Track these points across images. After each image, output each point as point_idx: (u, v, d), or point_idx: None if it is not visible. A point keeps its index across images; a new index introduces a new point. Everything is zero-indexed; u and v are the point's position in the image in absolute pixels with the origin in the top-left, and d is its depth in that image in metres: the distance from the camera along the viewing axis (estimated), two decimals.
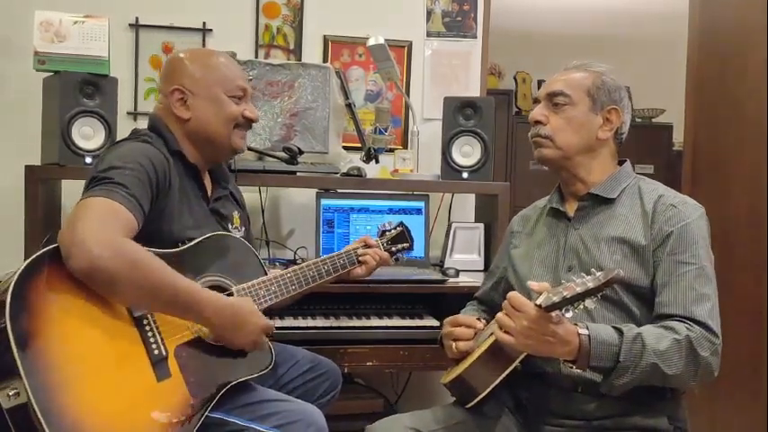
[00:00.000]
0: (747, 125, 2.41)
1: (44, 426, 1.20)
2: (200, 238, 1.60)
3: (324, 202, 2.41)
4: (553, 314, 1.30)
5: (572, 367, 1.39)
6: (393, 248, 1.98)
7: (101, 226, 1.33)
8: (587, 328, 1.36)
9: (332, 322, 2.14)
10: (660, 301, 1.46)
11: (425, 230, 2.48)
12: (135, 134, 1.67)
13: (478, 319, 1.64)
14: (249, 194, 2.40)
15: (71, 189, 2.30)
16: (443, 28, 2.86)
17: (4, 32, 2.54)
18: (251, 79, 2.40)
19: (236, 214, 1.82)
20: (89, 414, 1.28)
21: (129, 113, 2.63)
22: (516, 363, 1.49)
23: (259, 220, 2.62)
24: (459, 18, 2.86)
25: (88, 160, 2.13)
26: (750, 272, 2.35)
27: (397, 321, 2.18)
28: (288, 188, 2.68)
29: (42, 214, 2.14)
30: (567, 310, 1.28)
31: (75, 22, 2.18)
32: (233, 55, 2.22)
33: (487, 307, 1.81)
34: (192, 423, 1.41)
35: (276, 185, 2.50)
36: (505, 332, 1.37)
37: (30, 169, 2.14)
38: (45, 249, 1.33)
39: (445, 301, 2.17)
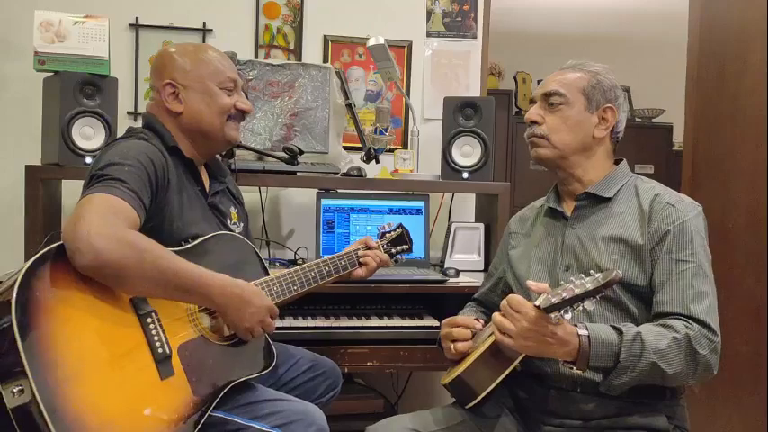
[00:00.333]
0: (747, 125, 2.41)
1: (49, 423, 1.20)
2: (202, 238, 1.61)
3: (324, 202, 2.41)
4: (552, 315, 1.30)
5: (572, 368, 1.39)
6: (393, 250, 2.00)
7: (103, 221, 1.34)
8: (587, 329, 1.36)
9: (332, 322, 2.14)
10: (658, 300, 1.46)
11: (425, 230, 2.48)
12: (131, 132, 1.67)
13: (476, 319, 1.64)
14: (249, 194, 2.41)
15: (71, 189, 2.30)
16: (443, 28, 2.86)
17: (4, 32, 2.54)
18: (250, 79, 2.41)
19: (233, 210, 1.82)
20: (93, 411, 1.28)
21: (129, 113, 2.63)
22: (515, 363, 1.50)
23: (259, 220, 2.62)
24: (459, 18, 2.86)
25: (88, 160, 2.13)
26: (750, 271, 2.35)
27: (397, 321, 2.18)
28: (288, 188, 2.68)
29: (42, 214, 2.14)
30: (567, 312, 1.28)
31: (76, 23, 2.18)
32: (233, 55, 2.22)
33: (487, 308, 1.81)
34: (195, 421, 1.41)
35: (276, 185, 2.50)
36: (504, 333, 1.37)
37: (30, 169, 2.14)
38: (49, 247, 1.34)
39: (445, 301, 2.17)
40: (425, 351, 2.13)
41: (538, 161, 1.63)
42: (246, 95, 1.78)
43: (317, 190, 2.42)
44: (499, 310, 1.60)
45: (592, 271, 1.29)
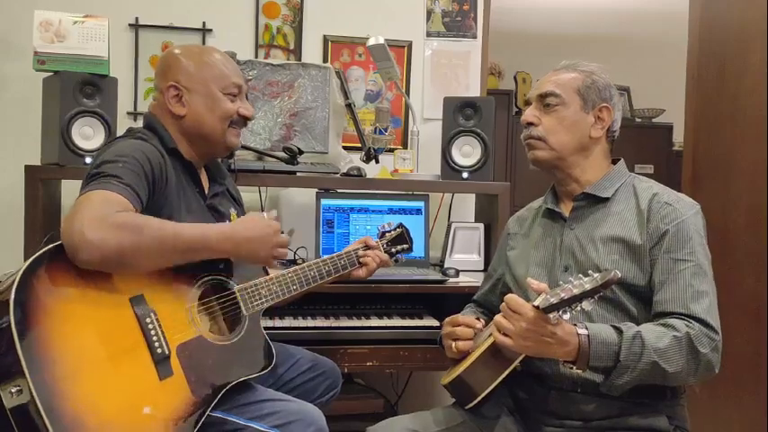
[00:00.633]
0: (747, 125, 2.41)
1: (47, 424, 1.20)
2: None
3: (324, 202, 2.40)
4: (551, 315, 1.30)
5: (572, 368, 1.39)
6: (393, 250, 1.99)
7: (93, 213, 1.34)
8: (586, 328, 1.36)
9: (332, 322, 2.14)
10: (658, 300, 1.46)
11: (425, 230, 2.48)
12: (130, 132, 1.67)
13: (477, 318, 1.64)
14: (249, 194, 2.41)
15: (71, 189, 2.29)
16: (443, 28, 2.86)
17: (4, 32, 2.54)
18: (250, 79, 2.41)
19: (233, 211, 1.82)
20: (91, 412, 1.28)
21: (128, 113, 2.63)
22: (515, 363, 1.49)
23: None
24: (459, 18, 2.86)
25: (88, 160, 2.13)
26: (750, 271, 2.35)
27: (397, 321, 2.18)
28: (288, 188, 2.68)
29: (42, 214, 2.14)
30: (565, 312, 1.28)
31: (75, 22, 2.18)
32: (233, 55, 2.22)
33: (486, 309, 1.81)
34: (194, 421, 1.41)
35: (276, 185, 2.50)
36: (504, 334, 1.37)
37: (30, 169, 2.14)
38: (47, 247, 1.34)
39: (445, 301, 2.17)
40: (425, 351, 2.13)
41: (535, 164, 1.63)
42: (246, 96, 1.77)
43: (316, 190, 2.42)
44: (498, 311, 1.60)
45: (590, 271, 1.29)
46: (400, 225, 2.03)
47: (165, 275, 1.48)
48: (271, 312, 2.04)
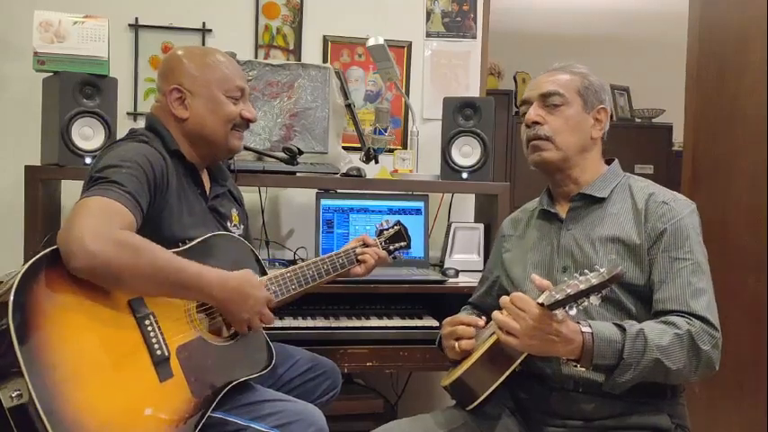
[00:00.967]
0: (747, 125, 2.41)
1: (47, 426, 1.20)
2: (199, 239, 1.60)
3: (323, 202, 2.41)
4: (558, 312, 1.29)
5: (576, 366, 1.38)
6: (391, 247, 1.99)
7: (97, 223, 1.33)
8: (590, 326, 1.36)
9: (332, 322, 2.14)
10: (658, 298, 1.46)
11: (425, 231, 2.48)
12: (132, 134, 1.67)
13: (480, 316, 1.63)
14: (249, 195, 2.41)
15: (71, 189, 2.30)
16: (443, 28, 2.86)
17: (3, 33, 2.54)
18: (250, 80, 2.40)
19: (234, 212, 1.82)
20: (91, 414, 1.28)
21: (128, 114, 2.63)
22: (517, 363, 1.48)
23: (259, 221, 2.62)
24: (458, 18, 2.86)
25: (88, 160, 2.13)
26: (750, 271, 2.35)
27: (396, 322, 2.18)
28: (287, 188, 2.68)
29: (42, 214, 2.14)
30: (571, 308, 1.27)
31: (75, 23, 2.18)
32: (233, 55, 2.22)
33: (482, 311, 1.79)
34: (194, 423, 1.41)
35: (276, 186, 2.50)
36: (507, 332, 1.36)
37: (30, 169, 2.14)
38: (46, 250, 1.33)
39: (445, 301, 2.17)
40: (425, 351, 2.13)
41: (540, 165, 1.60)
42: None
43: (316, 190, 2.42)
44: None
45: (596, 266, 1.29)
46: (398, 222, 2.03)
47: None
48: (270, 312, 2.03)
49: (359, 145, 2.55)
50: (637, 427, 1.47)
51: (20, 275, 1.27)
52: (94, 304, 1.36)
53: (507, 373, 1.48)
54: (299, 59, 2.72)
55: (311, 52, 2.77)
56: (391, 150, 2.67)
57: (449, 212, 2.78)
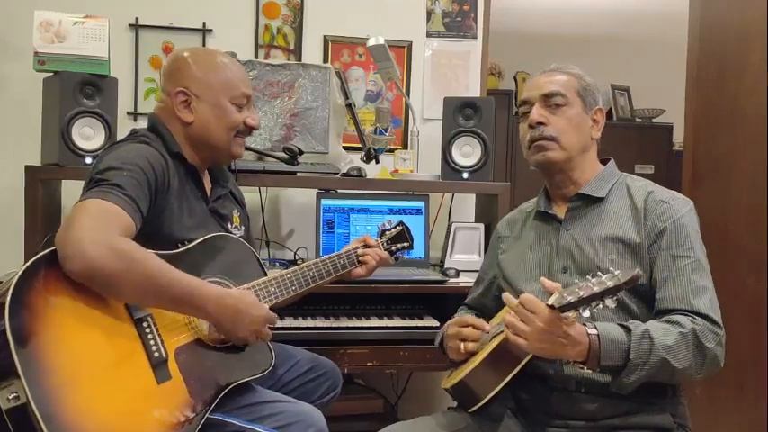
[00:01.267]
0: (747, 125, 2.41)
1: (43, 428, 1.20)
2: (199, 239, 1.60)
3: (324, 202, 2.40)
4: (570, 314, 1.29)
5: (582, 368, 1.38)
6: (393, 248, 1.98)
7: (95, 226, 1.33)
8: (596, 328, 1.36)
9: (332, 322, 2.14)
10: (661, 297, 1.46)
11: (425, 231, 2.48)
12: (134, 135, 1.66)
13: (486, 319, 1.62)
14: (249, 195, 2.40)
15: (71, 189, 2.30)
16: (443, 28, 2.86)
17: (3, 33, 2.53)
18: (250, 80, 2.40)
19: (235, 213, 1.82)
20: (89, 417, 1.27)
21: (128, 114, 2.63)
22: (521, 365, 1.47)
23: (259, 221, 2.61)
24: (459, 18, 2.86)
25: (88, 160, 2.13)
26: (750, 271, 2.35)
27: (397, 322, 2.18)
28: (288, 188, 2.68)
29: (42, 214, 2.14)
30: (584, 310, 1.27)
31: (75, 23, 2.18)
32: (233, 55, 2.22)
33: (479, 312, 1.79)
34: (193, 425, 1.41)
35: (276, 186, 2.50)
36: (518, 335, 1.35)
37: (30, 169, 2.14)
38: (44, 252, 1.33)
39: (445, 301, 2.17)
40: (425, 351, 2.13)
41: (544, 165, 1.59)
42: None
43: (316, 190, 2.42)
44: (492, 315, 1.59)
45: (611, 269, 1.28)
46: (400, 223, 2.02)
47: None
48: None
49: (359, 145, 2.55)
50: (639, 427, 1.47)
51: (17, 277, 1.27)
52: (92, 306, 1.35)
53: (511, 374, 1.47)
54: (300, 59, 2.72)
55: (311, 52, 2.77)
56: (392, 150, 2.66)
57: (449, 212, 2.78)
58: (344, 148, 2.61)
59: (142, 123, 2.56)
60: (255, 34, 2.73)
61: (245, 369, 1.56)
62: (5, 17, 2.54)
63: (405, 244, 2.00)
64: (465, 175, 2.48)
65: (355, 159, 2.56)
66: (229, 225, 1.77)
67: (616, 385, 1.40)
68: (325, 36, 2.78)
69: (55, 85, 2.16)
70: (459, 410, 1.58)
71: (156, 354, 1.41)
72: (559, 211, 1.63)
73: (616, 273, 1.25)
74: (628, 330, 1.37)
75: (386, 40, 2.49)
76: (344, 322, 2.15)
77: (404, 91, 2.76)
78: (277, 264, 2.42)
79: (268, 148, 2.39)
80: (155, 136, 1.64)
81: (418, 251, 2.40)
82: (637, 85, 5.13)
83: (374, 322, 2.17)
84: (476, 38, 2.88)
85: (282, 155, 2.29)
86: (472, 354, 1.55)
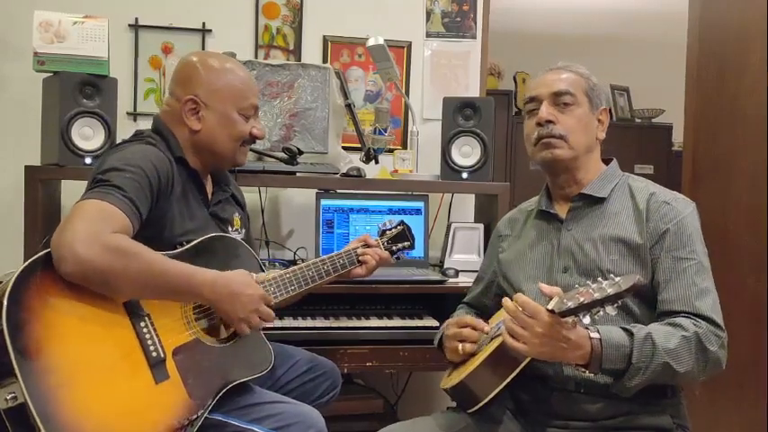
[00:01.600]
0: (747, 125, 2.41)
1: (41, 429, 1.20)
2: (198, 240, 1.59)
3: (323, 202, 2.40)
4: (570, 319, 1.29)
5: (584, 371, 1.37)
6: (393, 247, 1.97)
7: (88, 228, 1.32)
8: (598, 332, 1.35)
9: (331, 323, 2.13)
10: (663, 299, 1.46)
11: (425, 231, 2.48)
12: (139, 136, 1.66)
13: (486, 320, 1.62)
14: (249, 195, 2.40)
15: (71, 189, 2.30)
16: (443, 28, 2.86)
17: (3, 33, 2.54)
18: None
19: (236, 216, 1.81)
20: (87, 417, 1.27)
21: (128, 114, 2.62)
22: (520, 368, 1.46)
23: (259, 221, 2.61)
24: (458, 18, 2.86)
25: (88, 161, 2.13)
26: (750, 271, 2.35)
27: (396, 322, 2.18)
28: (287, 188, 2.68)
29: (42, 214, 2.14)
30: (584, 316, 1.26)
31: (75, 23, 2.18)
32: (232, 55, 2.22)
33: (478, 311, 1.79)
34: (192, 425, 1.41)
35: (276, 186, 2.50)
36: (517, 339, 1.34)
37: (30, 169, 2.14)
38: (41, 253, 1.33)
39: (445, 301, 2.17)
40: (425, 351, 2.12)
41: (550, 162, 1.58)
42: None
43: (316, 190, 2.42)
44: (492, 314, 1.58)
45: (611, 275, 1.27)
46: (401, 222, 2.01)
47: None
48: None
49: (359, 145, 2.55)
50: (639, 428, 1.47)
51: (14, 277, 1.27)
52: (90, 306, 1.35)
53: (511, 377, 1.46)
54: (299, 59, 2.72)
55: (311, 52, 2.77)
56: (391, 150, 2.66)
57: (449, 212, 2.78)
58: (344, 148, 2.61)
59: (142, 123, 2.57)
60: (255, 34, 2.73)
61: (243, 369, 1.56)
62: (5, 17, 2.54)
63: (405, 243, 1.99)
64: (464, 176, 2.48)
65: (355, 159, 2.56)
66: (230, 228, 1.77)
67: (617, 388, 1.39)
68: (324, 36, 2.78)
69: (55, 85, 2.16)
70: (459, 411, 1.57)
71: (154, 353, 1.40)
72: (561, 210, 1.62)
73: (617, 279, 1.25)
74: (630, 334, 1.36)
75: (385, 40, 2.49)
76: (344, 322, 2.15)
77: (403, 91, 2.76)
78: (277, 264, 2.41)
79: (268, 149, 2.39)
80: (159, 138, 1.64)
81: (418, 251, 2.40)
82: (636, 85, 5.13)
83: (374, 322, 2.17)
84: (475, 38, 2.88)
85: (282, 155, 2.29)
86: (471, 354, 1.55)
